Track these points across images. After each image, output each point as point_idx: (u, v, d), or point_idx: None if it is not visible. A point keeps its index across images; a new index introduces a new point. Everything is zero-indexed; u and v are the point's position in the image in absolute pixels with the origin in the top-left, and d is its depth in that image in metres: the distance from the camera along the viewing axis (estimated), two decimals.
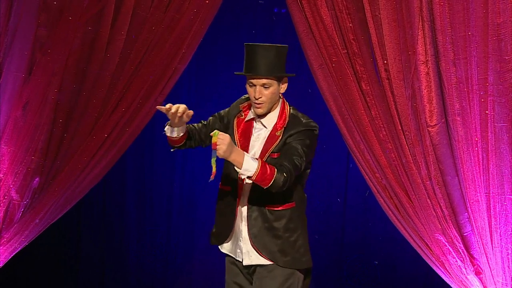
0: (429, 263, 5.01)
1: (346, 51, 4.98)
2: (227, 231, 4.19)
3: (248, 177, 3.87)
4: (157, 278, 6.65)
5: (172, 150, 4.36)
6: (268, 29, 6.34)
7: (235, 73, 4.15)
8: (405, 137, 4.90)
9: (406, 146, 4.90)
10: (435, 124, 4.86)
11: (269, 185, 3.86)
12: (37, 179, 5.19)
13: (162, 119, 6.57)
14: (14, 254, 5.26)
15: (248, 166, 3.82)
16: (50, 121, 5.17)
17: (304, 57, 5.04)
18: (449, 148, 4.88)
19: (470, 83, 4.79)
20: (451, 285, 4.97)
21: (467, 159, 4.82)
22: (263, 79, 4.01)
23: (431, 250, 4.94)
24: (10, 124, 5.15)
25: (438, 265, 4.94)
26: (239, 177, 4.07)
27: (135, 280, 6.64)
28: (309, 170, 4.21)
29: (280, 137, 4.03)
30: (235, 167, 3.88)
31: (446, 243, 4.90)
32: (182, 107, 4.08)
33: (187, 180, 6.63)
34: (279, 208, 4.06)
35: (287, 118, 4.08)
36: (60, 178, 5.19)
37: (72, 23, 5.11)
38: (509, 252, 4.80)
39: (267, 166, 3.85)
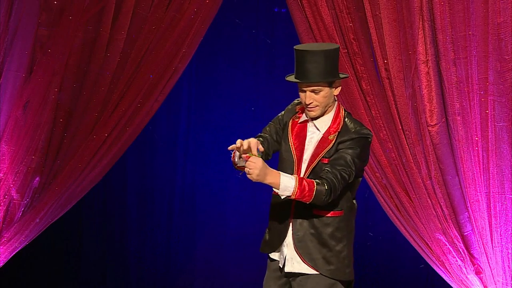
0: (429, 263, 5.01)
1: (346, 50, 4.98)
2: (279, 239, 4.00)
3: (287, 197, 3.79)
4: (158, 278, 6.65)
5: (240, 174, 4.01)
6: (268, 29, 6.34)
7: (286, 78, 4.00)
8: (405, 137, 4.90)
9: (407, 146, 4.90)
10: (436, 124, 4.86)
11: (311, 200, 3.73)
12: (37, 178, 5.19)
13: (163, 119, 6.61)
14: (14, 253, 5.26)
15: (286, 186, 3.69)
16: (50, 120, 5.17)
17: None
18: (449, 148, 4.88)
19: (471, 82, 4.79)
20: (452, 285, 4.97)
21: (467, 158, 4.82)
22: (312, 86, 3.92)
23: (431, 249, 4.94)
24: (11, 124, 5.15)
25: (439, 264, 4.94)
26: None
27: (136, 279, 6.64)
28: (360, 178, 4.06)
29: (333, 141, 3.88)
30: (274, 189, 3.76)
31: (447, 243, 4.89)
32: (253, 142, 3.75)
33: (188, 179, 6.62)
34: (327, 215, 3.90)
35: (341, 123, 3.93)
36: (60, 177, 5.19)
37: (72, 22, 5.12)
38: (509, 251, 4.79)
39: (305, 182, 3.71)
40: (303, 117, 3.99)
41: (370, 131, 3.95)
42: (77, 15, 5.12)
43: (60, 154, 5.21)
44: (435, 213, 4.89)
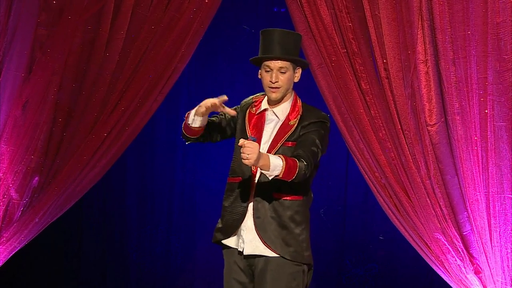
0: (428, 263, 5.01)
1: (345, 50, 4.98)
2: (237, 223, 4.08)
3: (276, 176, 3.83)
4: (158, 278, 6.65)
5: (187, 143, 4.26)
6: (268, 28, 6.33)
7: (250, 59, 4.10)
8: (404, 136, 4.90)
9: (406, 145, 4.90)
10: (435, 123, 4.86)
11: (294, 177, 3.84)
12: (36, 178, 5.19)
13: (162, 118, 6.61)
14: (13, 253, 5.26)
15: (275, 166, 3.78)
16: (50, 120, 5.18)
17: (304, 56, 5.03)
18: (448, 147, 4.88)
19: (470, 82, 4.79)
20: (451, 285, 4.96)
21: (467, 158, 4.82)
22: (280, 63, 3.98)
23: (430, 249, 4.94)
24: (10, 123, 5.15)
25: (438, 264, 4.94)
26: (252, 167, 4.03)
27: (136, 279, 6.64)
28: (317, 168, 4.17)
29: (294, 126, 4.02)
30: (262, 171, 3.84)
31: (446, 243, 4.89)
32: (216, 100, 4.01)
33: (187, 179, 6.63)
34: (287, 198, 4.02)
35: (300, 109, 4.08)
36: (59, 177, 5.19)
37: (71, 22, 5.12)
38: (509, 251, 4.79)
39: (289, 160, 3.83)
40: (261, 107, 4.08)
41: (327, 115, 4.11)
42: (76, 15, 5.12)
43: (60, 153, 5.21)
44: (434, 213, 4.89)
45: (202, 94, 6.48)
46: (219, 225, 4.21)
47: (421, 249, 4.98)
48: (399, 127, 4.90)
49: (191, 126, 4.10)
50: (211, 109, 4.00)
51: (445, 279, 4.98)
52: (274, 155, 3.84)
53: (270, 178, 3.83)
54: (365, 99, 4.96)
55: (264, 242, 4.01)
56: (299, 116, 4.06)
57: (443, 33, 4.79)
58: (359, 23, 4.94)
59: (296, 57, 4.03)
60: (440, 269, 4.94)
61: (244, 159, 3.71)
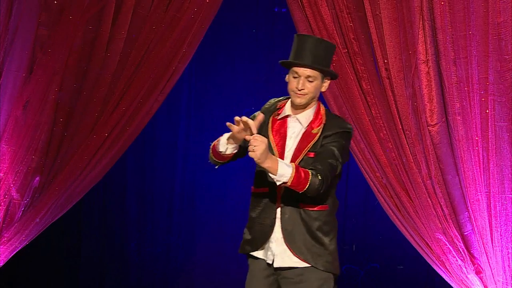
0: (429, 263, 5.01)
1: (346, 50, 4.98)
2: (266, 236, 3.98)
3: (284, 183, 3.75)
4: (157, 278, 6.65)
5: (216, 167, 4.11)
6: (268, 28, 6.35)
7: (280, 61, 3.99)
8: (405, 136, 4.90)
9: (407, 145, 4.90)
10: (436, 123, 4.86)
11: (305, 189, 3.73)
12: (37, 178, 5.19)
13: (162, 118, 6.61)
14: (14, 253, 5.26)
15: (283, 172, 3.68)
16: (50, 120, 5.17)
17: None
18: (449, 147, 4.88)
19: (471, 82, 4.79)
20: (452, 285, 4.97)
21: (468, 158, 4.82)
22: (308, 71, 3.88)
23: (431, 249, 4.94)
24: (11, 123, 5.15)
25: (439, 264, 4.94)
26: None
27: (136, 279, 6.64)
28: (340, 176, 4.09)
29: (317, 135, 3.91)
30: (270, 174, 3.73)
31: (447, 243, 4.89)
32: (255, 120, 3.76)
33: (187, 179, 6.63)
34: (314, 209, 3.93)
35: (324, 117, 3.97)
36: (60, 177, 5.19)
37: (72, 22, 5.12)
38: (510, 251, 4.79)
39: (301, 170, 3.72)
40: (284, 113, 4.00)
41: (351, 125, 4.01)
42: (77, 15, 5.12)
43: (60, 153, 5.21)
44: (435, 213, 4.89)
45: (203, 94, 6.53)
46: (247, 236, 4.08)
47: (422, 249, 4.98)
48: (400, 127, 4.90)
49: (224, 154, 3.96)
50: (243, 132, 3.77)
51: (446, 279, 4.98)
52: (286, 163, 3.76)
53: (278, 184, 3.75)
54: (366, 99, 4.96)
55: (295, 254, 3.93)
56: (322, 125, 3.95)
57: (444, 33, 4.79)
58: (360, 23, 4.94)
59: (326, 68, 3.91)
60: (441, 269, 4.95)
61: (250, 151, 3.64)
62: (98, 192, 6.45)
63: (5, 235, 5.17)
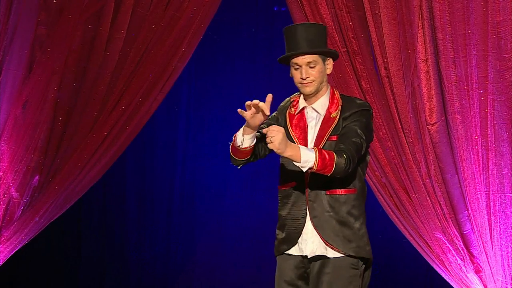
0: (429, 262, 5.00)
1: (345, 49, 4.98)
2: (299, 229, 3.90)
3: (310, 168, 3.67)
4: (158, 278, 6.65)
5: (239, 167, 4.04)
6: (268, 27, 6.35)
7: (278, 59, 3.92)
8: (404, 135, 4.90)
9: (406, 144, 4.90)
10: (435, 122, 4.86)
11: (332, 171, 3.67)
12: (36, 177, 5.19)
13: (162, 118, 6.60)
14: (13, 252, 5.26)
15: (307, 157, 3.62)
16: (49, 119, 5.18)
17: None
18: (449, 146, 4.88)
19: (470, 81, 4.79)
20: (451, 284, 4.96)
21: (467, 157, 4.81)
22: (307, 57, 3.81)
23: (431, 248, 4.93)
24: (10, 122, 5.15)
25: (438, 263, 4.93)
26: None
27: (136, 279, 6.64)
28: (369, 157, 4.01)
29: (337, 118, 3.85)
30: (294, 162, 3.66)
31: (446, 242, 4.89)
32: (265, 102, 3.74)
33: (187, 179, 6.62)
34: (342, 193, 3.86)
35: (340, 100, 3.91)
36: (60, 176, 5.19)
37: (71, 21, 5.12)
38: (509, 250, 4.79)
39: (325, 152, 3.67)
40: (300, 105, 3.97)
41: (369, 104, 3.96)
42: (76, 14, 5.12)
43: (60, 152, 5.21)
44: (434, 212, 4.89)
45: (202, 94, 6.52)
46: (281, 236, 4.00)
47: (422, 248, 4.97)
48: (399, 126, 4.90)
49: (241, 148, 3.90)
50: (256, 116, 3.76)
51: (445, 278, 4.98)
52: (307, 148, 3.72)
53: (304, 170, 3.70)
54: (365, 98, 4.96)
55: (325, 241, 3.87)
56: (339, 107, 3.89)
57: (443, 32, 4.79)
58: (359, 22, 4.94)
59: (323, 48, 3.86)
60: (441, 268, 4.94)
61: (268, 143, 3.59)
62: (97, 191, 6.45)
63: (4, 234, 5.17)
